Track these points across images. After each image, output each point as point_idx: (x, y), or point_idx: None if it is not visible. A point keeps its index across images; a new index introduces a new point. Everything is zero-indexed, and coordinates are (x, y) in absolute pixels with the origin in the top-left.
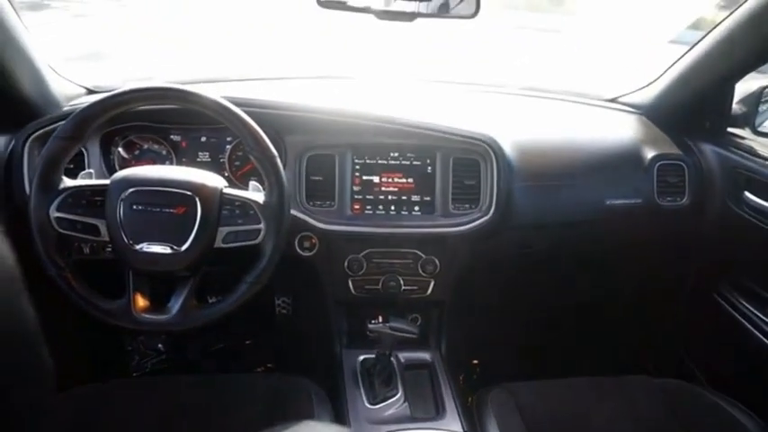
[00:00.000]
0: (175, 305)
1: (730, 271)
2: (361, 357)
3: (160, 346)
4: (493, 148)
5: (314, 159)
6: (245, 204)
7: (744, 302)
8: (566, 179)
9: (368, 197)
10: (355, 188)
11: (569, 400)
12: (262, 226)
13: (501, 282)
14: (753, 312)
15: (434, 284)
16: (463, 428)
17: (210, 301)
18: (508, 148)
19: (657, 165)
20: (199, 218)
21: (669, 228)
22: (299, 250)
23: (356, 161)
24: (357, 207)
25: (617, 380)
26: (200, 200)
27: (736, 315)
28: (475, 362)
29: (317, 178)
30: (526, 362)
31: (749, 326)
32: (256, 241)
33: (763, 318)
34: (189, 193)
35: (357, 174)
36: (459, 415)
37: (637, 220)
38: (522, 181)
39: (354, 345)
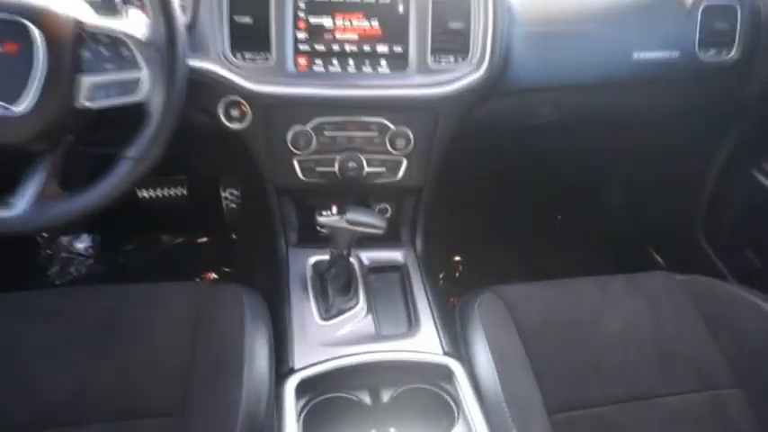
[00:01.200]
0: (24, 195)
1: None
2: (313, 259)
3: (81, 247)
4: None
5: None
6: (117, 41)
7: None
8: (582, 25)
9: (317, 47)
10: (299, 35)
11: (575, 303)
12: (143, 74)
13: (494, 162)
14: None
15: (407, 165)
16: (442, 347)
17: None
18: None
19: (702, 7)
20: (42, 62)
21: (709, 89)
22: (225, 121)
23: None
24: (302, 61)
25: (630, 278)
26: (42, 33)
27: None
28: (456, 258)
29: (245, 20)
30: (519, 260)
31: None
32: (138, 97)
33: None
34: (24, 21)
35: (301, 14)
36: (437, 329)
37: (670, 79)
38: (524, 25)
39: (305, 244)
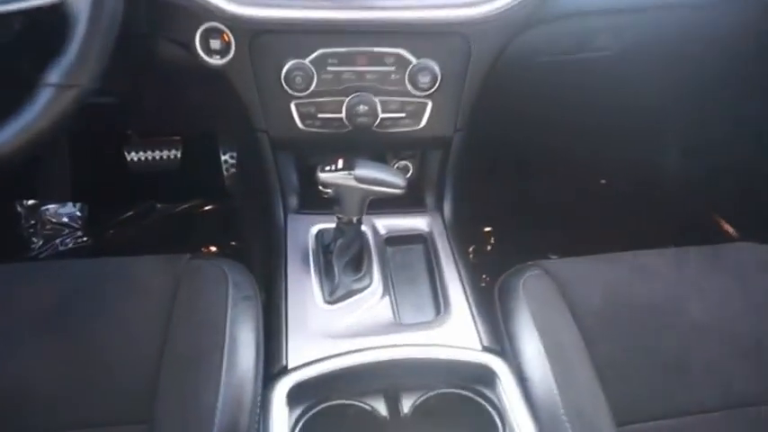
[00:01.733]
0: None
1: None
2: (316, 228)
3: (67, 217)
4: None
5: None
6: None
7: None
8: None
9: None
10: None
11: (645, 282)
12: None
13: (527, 112)
14: None
15: (433, 110)
16: (481, 340)
17: None
18: None
19: None
20: None
21: None
22: (203, 55)
23: None
24: None
25: (711, 251)
26: None
27: None
28: (487, 229)
29: None
30: (560, 231)
31: None
32: None
33: None
34: None
35: None
36: (473, 316)
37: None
38: None
39: (308, 209)
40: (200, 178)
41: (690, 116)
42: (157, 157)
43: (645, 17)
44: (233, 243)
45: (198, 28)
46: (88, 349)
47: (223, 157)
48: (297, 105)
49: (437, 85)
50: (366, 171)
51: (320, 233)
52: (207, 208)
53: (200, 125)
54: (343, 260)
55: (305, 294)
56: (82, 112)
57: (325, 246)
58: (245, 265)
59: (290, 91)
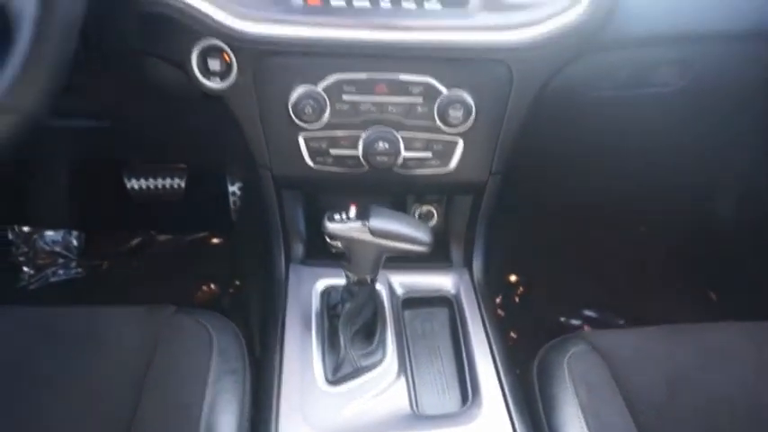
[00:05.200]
0: None
1: None
2: (322, 284)
3: (62, 246)
4: None
5: None
6: None
7: None
8: None
9: None
10: None
11: (722, 368)
12: None
13: (575, 145)
14: None
15: (465, 149)
16: None
17: None
18: None
19: None
20: None
21: None
22: (200, 77)
23: None
24: None
25: None
26: None
27: None
28: (513, 278)
29: None
30: (595, 282)
31: None
32: None
33: None
34: None
35: None
36: (508, 409)
37: None
38: None
39: (315, 260)
40: (206, 210)
41: (751, 159)
42: (160, 186)
43: (713, 50)
44: (237, 283)
45: (194, 46)
46: (40, 419)
47: (231, 189)
48: (306, 139)
49: (471, 120)
50: (383, 222)
51: (327, 292)
52: (211, 242)
53: (205, 155)
54: (353, 329)
55: (303, 370)
56: (76, 138)
57: (331, 307)
58: (240, 318)
59: (298, 122)
